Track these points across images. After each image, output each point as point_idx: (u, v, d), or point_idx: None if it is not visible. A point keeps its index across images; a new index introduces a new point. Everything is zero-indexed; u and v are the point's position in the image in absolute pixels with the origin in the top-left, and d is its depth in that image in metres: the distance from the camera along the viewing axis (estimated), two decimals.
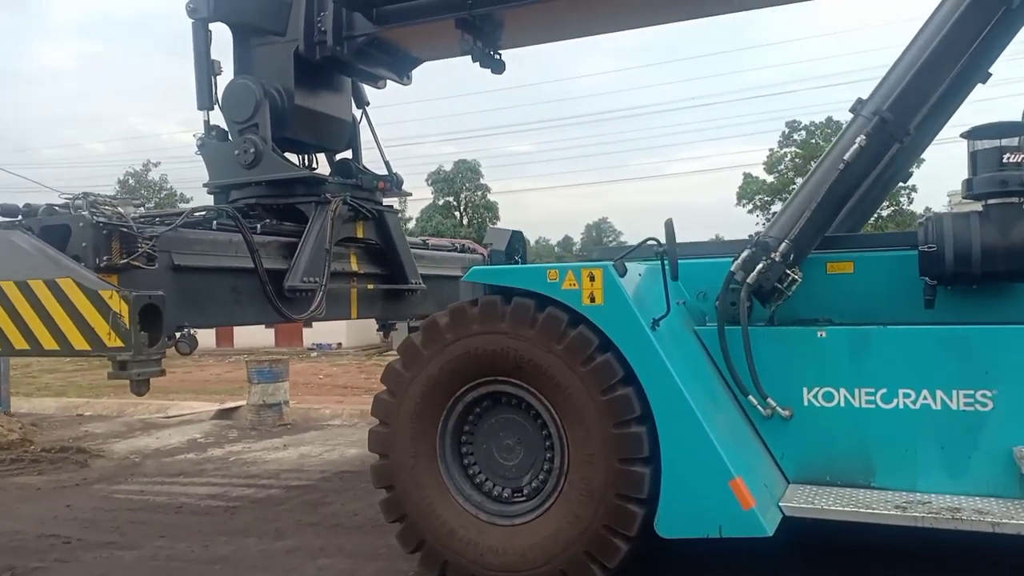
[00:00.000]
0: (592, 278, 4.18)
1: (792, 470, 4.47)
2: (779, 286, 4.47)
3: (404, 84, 7.78)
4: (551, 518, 4.30)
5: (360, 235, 7.14)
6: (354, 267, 7.19)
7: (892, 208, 42.31)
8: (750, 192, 44.71)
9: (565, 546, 4.20)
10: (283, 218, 6.63)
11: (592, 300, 4.19)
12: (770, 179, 44.63)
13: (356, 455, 9.03)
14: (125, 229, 4.97)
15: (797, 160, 43.06)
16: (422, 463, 4.58)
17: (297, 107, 6.76)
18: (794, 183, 43.45)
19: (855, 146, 4.43)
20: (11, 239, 4.77)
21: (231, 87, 6.60)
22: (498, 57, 6.96)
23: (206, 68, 6.83)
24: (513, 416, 4.54)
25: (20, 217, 5.12)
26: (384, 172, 7.64)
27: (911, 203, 41.83)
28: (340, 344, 31.98)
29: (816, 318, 4.61)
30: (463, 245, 9.55)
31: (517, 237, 4.75)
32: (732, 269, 4.51)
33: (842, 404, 4.37)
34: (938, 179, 62.21)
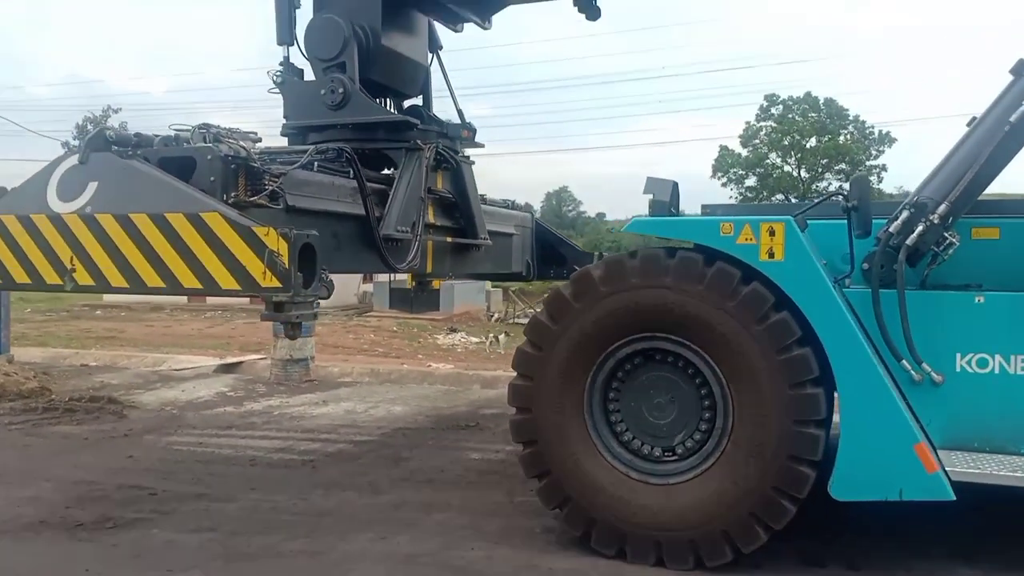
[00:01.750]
0: (772, 233, 4.08)
1: (938, 436, 4.45)
2: (935, 249, 4.43)
3: (485, 28, 7.52)
4: (712, 478, 4.23)
5: (439, 186, 6.92)
6: (431, 218, 6.97)
7: None
8: (725, 165, 44.99)
9: (729, 507, 4.14)
10: (363, 163, 6.38)
11: (771, 256, 4.09)
12: (745, 152, 44.93)
13: (403, 412, 8.88)
14: (254, 165, 4.71)
15: (774, 135, 43.40)
16: (568, 419, 4.47)
17: (381, 47, 6.49)
18: (768, 157, 43.93)
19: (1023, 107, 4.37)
20: (139, 169, 4.47)
21: (316, 23, 6.29)
22: (595, 2, 6.78)
23: (286, 1, 6.51)
24: (666, 374, 4.44)
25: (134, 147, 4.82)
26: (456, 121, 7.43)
27: (880, 181, 42.57)
28: (318, 302, 31.41)
29: (967, 283, 4.58)
30: (513, 202, 9.37)
31: (675, 189, 4.61)
32: (890, 231, 4.44)
33: (996, 371, 4.35)
34: (913, 158, 63.37)
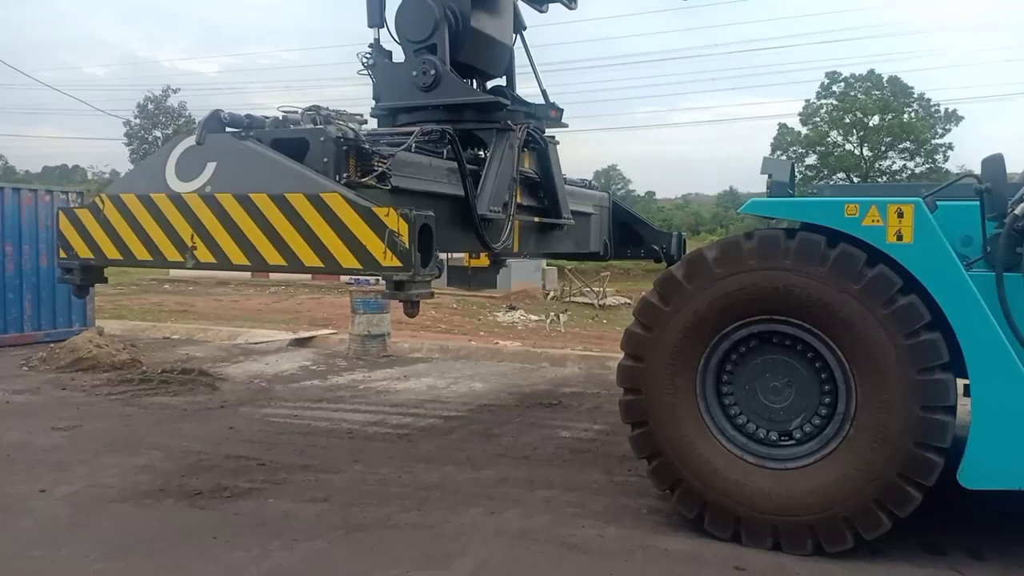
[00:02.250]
0: (900, 214, 3.98)
1: None
2: None
3: (571, 8, 7.46)
4: (833, 464, 4.17)
5: (526, 166, 6.91)
6: (518, 199, 6.98)
7: (928, 166, 41.79)
8: (784, 144, 44.01)
9: (851, 493, 4.08)
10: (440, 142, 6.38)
11: (899, 238, 4.00)
12: (805, 131, 43.88)
13: (484, 389, 8.97)
14: (365, 146, 4.76)
15: (836, 113, 42.28)
16: (681, 400, 4.45)
17: (470, 28, 6.48)
18: (828, 135, 42.85)
19: None
20: (256, 150, 4.57)
21: (408, 5, 6.31)
22: None
23: None
24: (783, 357, 4.38)
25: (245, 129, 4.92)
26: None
27: (946, 160, 41.26)
28: (379, 280, 31.81)
29: None
30: (589, 182, 9.31)
31: (793, 169, 4.53)
32: (1015, 212, 4.30)
33: None
34: (977, 137, 61.42)
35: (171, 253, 4.67)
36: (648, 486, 5.30)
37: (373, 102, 6.63)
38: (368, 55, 6.62)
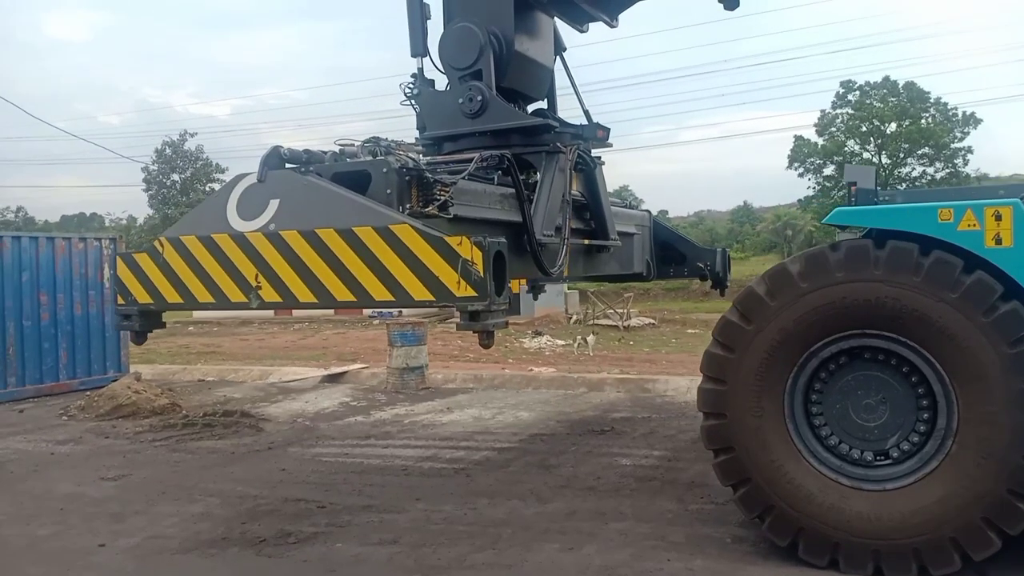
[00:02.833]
0: (998, 217, 3.81)
1: None
2: None
3: (613, 26, 7.37)
4: (936, 482, 3.98)
5: (573, 188, 6.79)
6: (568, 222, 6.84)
7: (948, 170, 41.48)
8: (801, 155, 43.86)
9: (957, 512, 3.88)
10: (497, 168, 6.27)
11: (997, 242, 3.82)
12: (821, 141, 43.72)
13: (531, 418, 8.78)
14: (428, 176, 4.65)
15: (852, 122, 42.13)
16: (768, 423, 4.27)
17: (514, 52, 6.40)
18: (846, 145, 42.67)
19: None
20: (320, 185, 4.45)
21: (452, 32, 6.23)
22: None
23: (419, 12, 6.49)
24: (875, 372, 4.20)
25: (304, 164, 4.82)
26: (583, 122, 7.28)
27: (966, 164, 40.93)
28: (401, 312, 31.78)
29: None
30: (629, 202, 9.19)
31: (877, 175, 4.38)
32: None
33: None
34: (996, 139, 61.02)
35: (234, 294, 4.54)
36: (726, 514, 5.14)
37: (417, 132, 6.55)
38: (411, 85, 6.55)
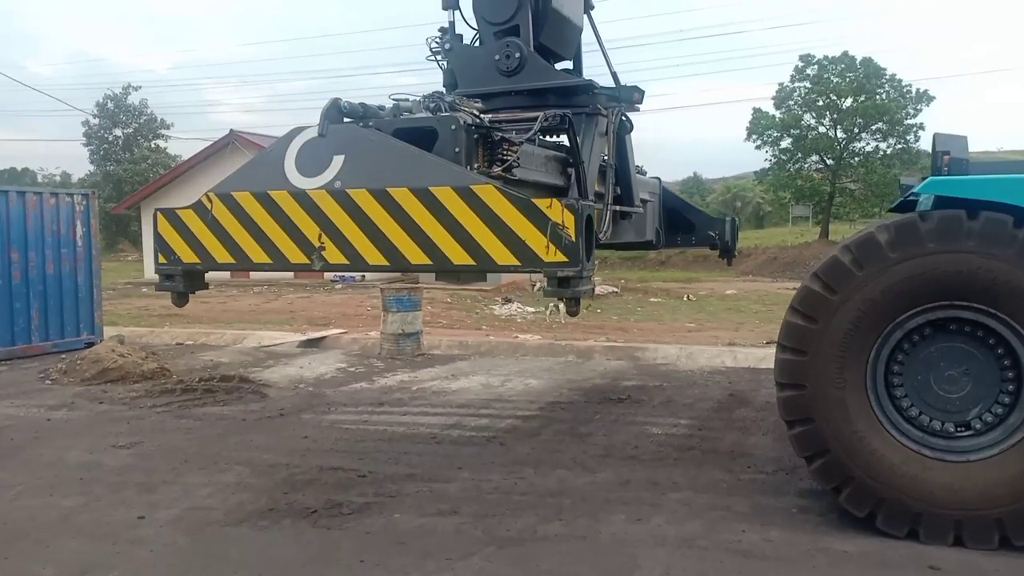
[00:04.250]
0: None
1: None
2: None
3: None
4: (1020, 453, 3.99)
5: (605, 151, 6.62)
6: (596, 186, 6.70)
7: (900, 146, 42.36)
8: (760, 127, 44.25)
9: None
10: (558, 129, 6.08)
11: None
12: (778, 115, 44.16)
13: (542, 386, 8.69)
14: (498, 135, 4.44)
15: (809, 96, 42.61)
16: (850, 394, 4.22)
17: (551, 8, 6.18)
18: (803, 119, 43.19)
19: None
20: (391, 142, 4.21)
21: None
22: None
23: None
24: (959, 344, 4.18)
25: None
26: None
27: (918, 141, 41.82)
28: (364, 277, 31.26)
29: None
30: (641, 167, 9.07)
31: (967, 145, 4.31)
32: None
33: None
34: (946, 118, 62.66)
35: (294, 255, 4.29)
36: (781, 484, 5.15)
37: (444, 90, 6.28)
38: (438, 39, 6.28)
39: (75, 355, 9.94)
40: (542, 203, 3.88)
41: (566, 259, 3.85)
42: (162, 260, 4.61)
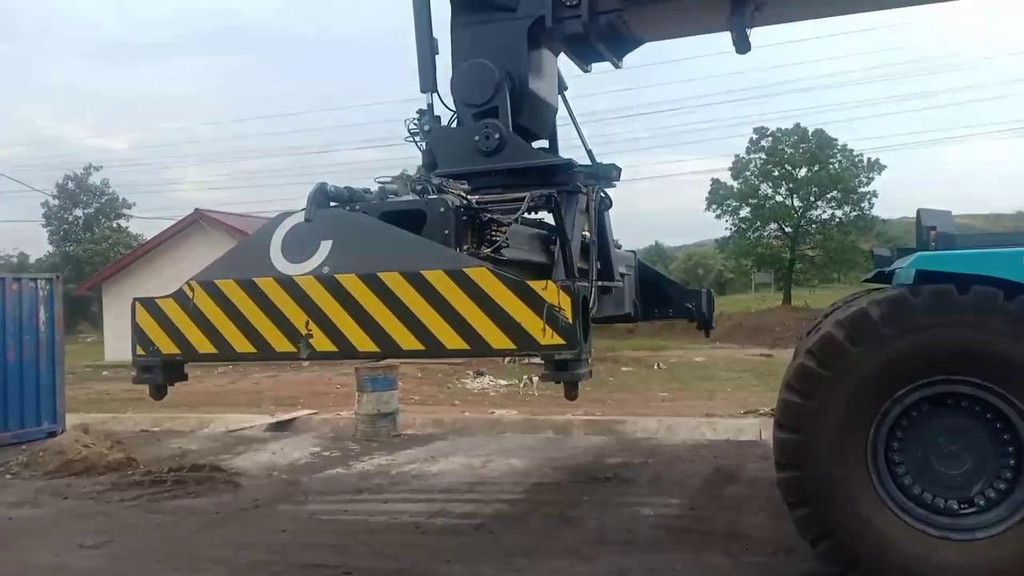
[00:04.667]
0: None
1: None
2: None
3: (618, 67, 7.33)
4: None
5: (585, 228, 6.65)
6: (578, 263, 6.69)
7: (855, 213, 43.51)
8: (719, 197, 45.24)
9: None
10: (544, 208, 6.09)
11: None
12: (736, 185, 45.27)
13: (525, 466, 8.50)
14: (487, 216, 4.41)
15: (766, 166, 43.82)
16: (851, 473, 4.15)
17: (527, 90, 6.27)
18: (760, 188, 44.33)
19: None
20: (380, 226, 4.15)
21: (467, 68, 6.07)
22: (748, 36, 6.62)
23: (429, 47, 6.31)
24: (957, 419, 4.15)
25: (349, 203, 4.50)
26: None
27: (871, 208, 43.09)
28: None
29: None
30: (617, 242, 9.13)
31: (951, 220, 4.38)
32: None
33: None
34: (899, 184, 64.83)
35: (280, 343, 4.16)
36: (783, 566, 5.04)
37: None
38: (416, 121, 6.32)
39: (37, 446, 9.54)
40: (537, 285, 3.83)
41: (563, 341, 3.78)
42: (140, 351, 4.44)
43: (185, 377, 4.70)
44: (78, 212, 55.78)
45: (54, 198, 55.57)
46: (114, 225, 55.42)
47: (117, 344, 28.34)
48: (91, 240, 52.86)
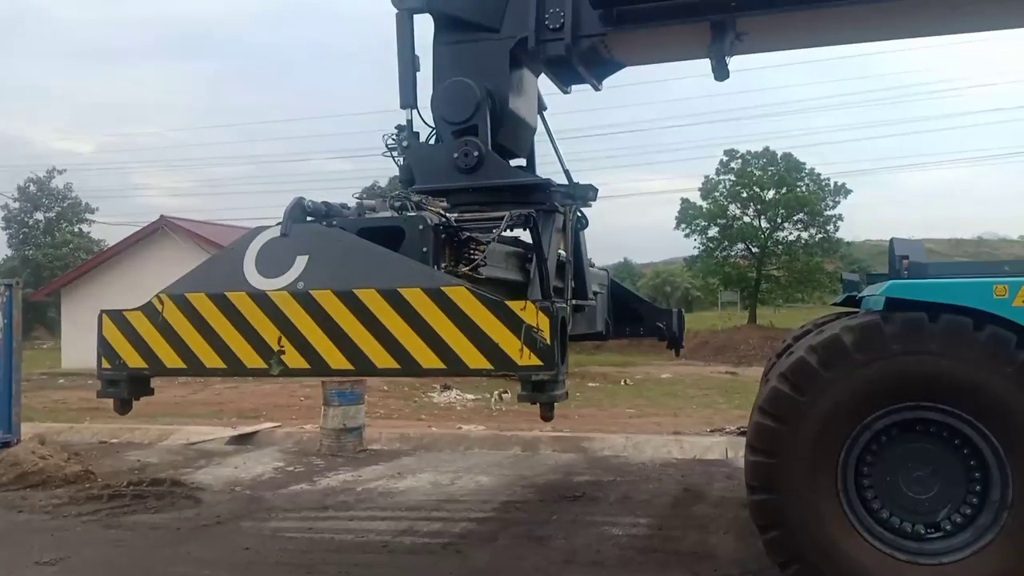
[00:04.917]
0: None
1: None
2: None
3: (598, 90, 7.38)
4: (993, 555, 4.00)
5: (561, 247, 6.67)
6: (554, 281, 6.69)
7: (821, 236, 44.21)
8: (688, 217, 45.72)
9: None
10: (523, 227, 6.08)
11: None
12: (706, 205, 45.80)
13: (493, 483, 8.44)
14: (466, 234, 4.39)
15: (735, 188, 44.43)
16: (822, 497, 4.19)
17: (508, 109, 6.29)
18: (728, 209, 44.93)
19: None
20: (359, 242, 4.11)
21: (449, 86, 6.07)
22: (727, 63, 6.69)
23: (410, 64, 6.31)
24: (925, 445, 4.21)
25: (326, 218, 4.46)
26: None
27: (837, 231, 43.86)
28: None
29: None
30: (590, 260, 9.16)
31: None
32: None
33: None
34: (863, 208, 66.10)
35: (251, 359, 4.08)
36: None
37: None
38: (394, 136, 6.30)
39: None
40: (516, 305, 3.81)
41: (541, 363, 3.77)
42: (106, 365, 4.34)
43: (151, 392, 4.61)
44: (39, 216, 54.63)
45: (15, 200, 54.48)
46: (76, 230, 54.41)
47: (75, 352, 27.76)
48: (51, 244, 51.81)
